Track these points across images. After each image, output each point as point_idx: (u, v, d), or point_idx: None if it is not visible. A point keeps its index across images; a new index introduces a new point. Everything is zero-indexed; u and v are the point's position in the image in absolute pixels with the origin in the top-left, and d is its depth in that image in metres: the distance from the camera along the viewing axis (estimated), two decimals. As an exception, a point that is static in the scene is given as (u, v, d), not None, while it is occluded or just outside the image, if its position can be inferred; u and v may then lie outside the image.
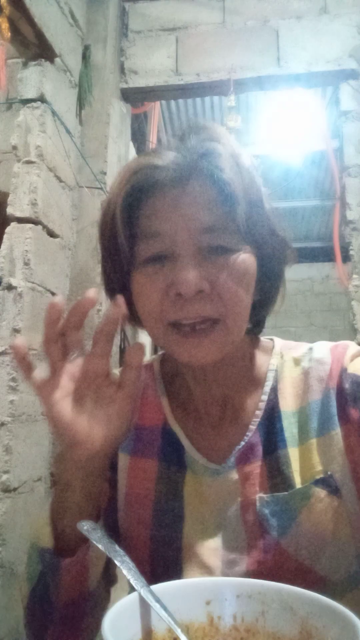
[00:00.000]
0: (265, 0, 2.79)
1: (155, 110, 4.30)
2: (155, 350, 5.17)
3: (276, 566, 0.59)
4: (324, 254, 6.02)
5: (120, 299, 0.55)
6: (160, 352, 0.77)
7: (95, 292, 0.54)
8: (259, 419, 0.65)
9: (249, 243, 0.60)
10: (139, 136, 4.43)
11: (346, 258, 2.67)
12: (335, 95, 2.90)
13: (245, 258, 0.59)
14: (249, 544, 0.61)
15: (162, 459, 0.68)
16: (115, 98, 2.79)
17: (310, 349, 0.68)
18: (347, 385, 0.62)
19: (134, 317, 0.66)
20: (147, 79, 2.83)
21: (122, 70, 2.86)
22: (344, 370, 0.63)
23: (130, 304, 0.63)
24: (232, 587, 0.47)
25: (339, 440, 0.61)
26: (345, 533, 0.60)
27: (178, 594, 0.46)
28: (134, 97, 2.97)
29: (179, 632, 0.41)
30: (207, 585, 0.47)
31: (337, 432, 0.61)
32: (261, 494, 0.62)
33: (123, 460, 0.70)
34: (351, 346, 0.67)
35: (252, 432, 0.65)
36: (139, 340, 4.58)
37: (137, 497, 0.67)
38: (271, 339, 0.73)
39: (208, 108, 4.59)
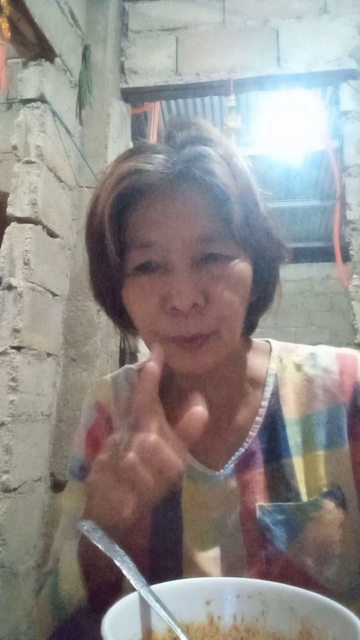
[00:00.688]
0: (265, 0, 2.79)
1: (155, 110, 4.30)
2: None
3: (279, 577, 0.57)
4: (324, 254, 6.03)
5: (159, 348, 0.54)
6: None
7: (154, 366, 0.52)
8: (259, 426, 0.63)
9: (244, 248, 0.58)
10: (139, 136, 4.44)
11: (346, 258, 2.67)
12: (335, 95, 2.91)
13: (241, 266, 0.57)
14: (249, 553, 0.60)
15: None
16: (115, 98, 2.79)
17: (312, 354, 0.66)
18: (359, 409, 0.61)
19: (125, 323, 0.65)
20: (147, 79, 2.83)
21: (122, 70, 2.86)
22: (357, 388, 0.62)
23: (117, 310, 0.62)
24: (232, 587, 0.47)
25: (348, 456, 0.60)
26: (351, 546, 0.59)
27: (178, 594, 0.46)
28: (134, 97, 2.97)
29: (179, 632, 0.41)
30: (207, 585, 0.47)
31: (347, 448, 0.60)
32: (261, 503, 0.60)
33: None
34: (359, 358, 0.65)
35: (252, 439, 0.63)
36: (137, 341, 4.58)
37: None
38: (267, 341, 0.71)
39: (208, 108, 4.59)
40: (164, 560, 0.63)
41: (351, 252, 2.51)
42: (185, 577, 0.61)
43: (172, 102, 4.43)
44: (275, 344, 0.70)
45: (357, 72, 2.63)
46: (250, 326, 0.68)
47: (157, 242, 0.55)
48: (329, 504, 0.59)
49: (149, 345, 0.60)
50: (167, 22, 2.86)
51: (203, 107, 4.57)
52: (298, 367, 0.65)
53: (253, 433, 0.63)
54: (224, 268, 0.56)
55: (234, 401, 0.66)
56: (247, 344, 0.69)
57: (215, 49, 2.78)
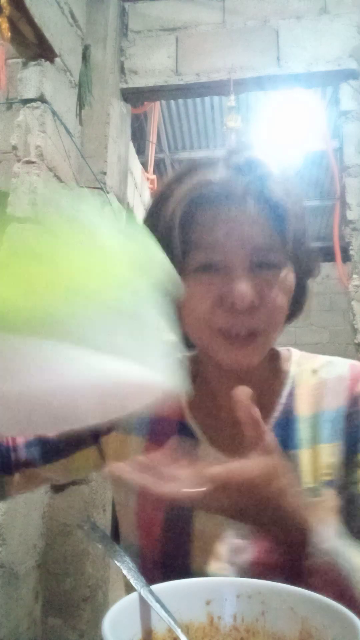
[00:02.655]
0: (265, 0, 2.79)
1: (155, 110, 4.30)
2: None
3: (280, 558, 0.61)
4: (324, 254, 6.01)
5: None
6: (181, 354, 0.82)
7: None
8: (275, 420, 0.70)
9: (291, 260, 0.65)
10: (139, 136, 4.44)
11: (346, 258, 2.67)
12: (335, 95, 2.91)
13: (290, 275, 0.65)
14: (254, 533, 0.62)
15: None
16: (115, 98, 2.79)
17: (330, 362, 0.74)
18: (352, 413, 0.68)
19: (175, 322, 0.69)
20: (147, 79, 2.83)
21: (122, 70, 2.86)
22: (357, 396, 0.69)
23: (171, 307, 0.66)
24: (232, 587, 0.47)
25: (340, 450, 0.67)
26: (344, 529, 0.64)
27: (178, 594, 0.46)
28: (134, 97, 2.97)
29: (179, 632, 0.41)
30: (207, 585, 0.47)
31: (341, 443, 0.67)
32: None
33: (137, 443, 0.72)
34: None
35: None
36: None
37: None
38: (288, 349, 0.78)
39: (208, 108, 4.59)
40: (176, 536, 0.66)
41: (351, 252, 2.51)
42: (193, 553, 0.65)
43: (172, 102, 4.43)
44: (296, 352, 0.78)
45: (357, 72, 2.63)
46: None
47: (221, 246, 0.62)
48: (328, 492, 0.65)
49: (197, 339, 0.66)
50: (167, 22, 2.86)
51: (203, 107, 4.57)
52: (314, 372, 0.73)
53: (269, 427, 0.69)
54: (276, 275, 0.63)
55: (256, 402, 0.70)
56: (273, 351, 0.76)
57: (215, 49, 2.77)
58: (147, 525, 0.69)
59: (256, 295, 0.61)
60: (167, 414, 0.73)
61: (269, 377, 0.73)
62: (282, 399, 0.71)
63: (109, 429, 0.74)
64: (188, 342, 0.71)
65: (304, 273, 0.69)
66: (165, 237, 0.63)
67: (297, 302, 0.70)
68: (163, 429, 0.72)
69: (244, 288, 0.60)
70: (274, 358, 0.75)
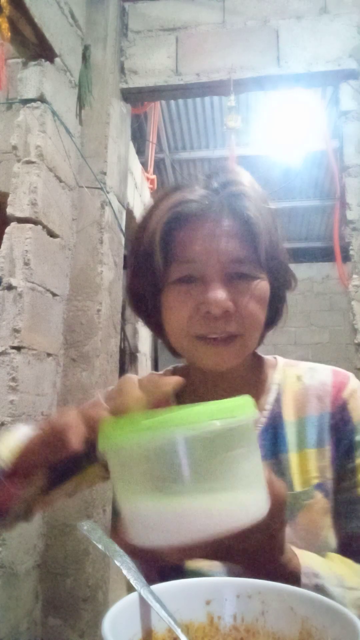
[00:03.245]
0: (265, 0, 2.79)
1: (155, 110, 4.30)
2: (155, 360, 5.18)
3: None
4: (324, 254, 6.02)
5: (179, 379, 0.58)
6: (171, 366, 0.86)
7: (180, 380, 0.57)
8: (262, 425, 0.73)
9: (265, 271, 0.70)
10: (139, 136, 4.44)
11: (346, 258, 2.67)
12: (335, 95, 2.91)
13: (263, 285, 0.69)
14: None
15: None
16: (115, 98, 2.79)
17: (312, 368, 0.78)
18: (338, 419, 0.72)
19: (158, 329, 0.76)
20: (147, 79, 2.83)
21: (122, 70, 2.86)
22: (342, 403, 0.73)
23: (155, 316, 0.73)
24: (232, 587, 0.47)
25: (329, 455, 0.71)
26: (330, 530, 0.69)
27: (178, 594, 0.46)
28: (134, 97, 2.97)
29: (179, 632, 0.41)
30: (207, 585, 0.47)
31: (329, 448, 0.72)
32: None
33: None
34: (352, 378, 0.76)
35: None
36: (137, 341, 4.58)
37: None
38: (274, 357, 0.82)
39: (208, 108, 4.59)
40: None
41: (351, 252, 2.51)
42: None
43: (172, 102, 4.43)
44: (281, 360, 0.81)
45: (357, 72, 2.63)
46: (259, 340, 0.77)
47: (198, 260, 0.68)
48: (318, 494, 0.69)
49: (178, 346, 0.72)
50: (167, 22, 2.86)
51: (203, 107, 4.57)
52: (298, 378, 0.77)
53: (256, 432, 0.72)
54: (250, 285, 0.68)
55: None
56: (257, 358, 0.80)
57: (215, 49, 2.77)
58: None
59: (230, 303, 0.66)
60: None
61: (256, 384, 0.77)
62: (269, 405, 0.74)
63: None
64: (175, 350, 0.75)
65: (279, 284, 0.73)
66: (148, 251, 0.69)
67: (274, 311, 0.75)
68: None
69: (218, 296, 0.65)
70: (259, 366, 0.79)
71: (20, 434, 0.62)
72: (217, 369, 0.69)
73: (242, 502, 0.46)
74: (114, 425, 0.48)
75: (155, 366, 5.19)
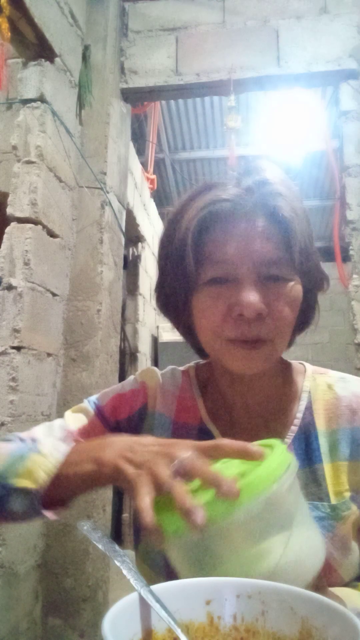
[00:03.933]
0: (265, 0, 2.79)
1: (155, 110, 4.30)
2: (155, 361, 5.17)
3: None
4: (324, 254, 5.99)
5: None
6: (194, 362, 0.85)
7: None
8: (294, 434, 0.72)
9: (298, 274, 0.68)
10: (139, 136, 4.44)
11: (346, 258, 2.67)
12: (335, 95, 2.90)
13: (296, 288, 0.68)
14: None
15: None
16: (115, 98, 2.79)
17: (343, 378, 0.77)
18: None
19: (187, 330, 0.75)
20: (147, 79, 2.83)
21: (122, 70, 2.86)
22: None
23: (185, 317, 0.72)
24: (232, 587, 0.47)
25: None
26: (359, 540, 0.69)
27: (178, 594, 0.46)
28: (134, 97, 2.97)
29: (179, 632, 0.41)
30: (207, 585, 0.47)
31: None
32: None
33: None
34: None
35: (287, 445, 0.71)
36: (137, 341, 4.58)
37: None
38: (302, 363, 0.81)
39: (208, 108, 4.59)
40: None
41: (351, 252, 2.51)
42: None
43: (172, 102, 4.43)
44: (309, 366, 0.80)
45: (357, 72, 2.63)
46: (289, 343, 0.76)
47: (231, 260, 0.66)
48: (353, 506, 0.68)
49: (209, 347, 0.70)
50: (167, 22, 2.86)
51: (203, 107, 4.57)
52: (330, 387, 0.75)
53: (288, 440, 0.71)
54: (283, 287, 0.66)
55: (270, 411, 0.74)
56: (285, 363, 0.79)
57: (215, 49, 2.77)
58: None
59: (263, 306, 0.64)
60: (187, 420, 0.76)
61: (284, 389, 0.76)
62: (300, 413, 0.73)
63: None
64: (202, 350, 0.74)
65: (311, 286, 0.72)
66: (179, 252, 0.68)
67: (306, 313, 0.74)
68: (184, 435, 0.74)
69: (251, 298, 0.64)
70: (287, 371, 0.78)
71: (54, 450, 0.62)
72: (246, 372, 0.68)
73: (316, 541, 0.50)
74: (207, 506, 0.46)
75: (155, 366, 5.19)
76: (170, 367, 0.86)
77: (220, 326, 0.66)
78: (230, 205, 0.66)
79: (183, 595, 0.46)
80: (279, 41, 2.73)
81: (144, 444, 0.55)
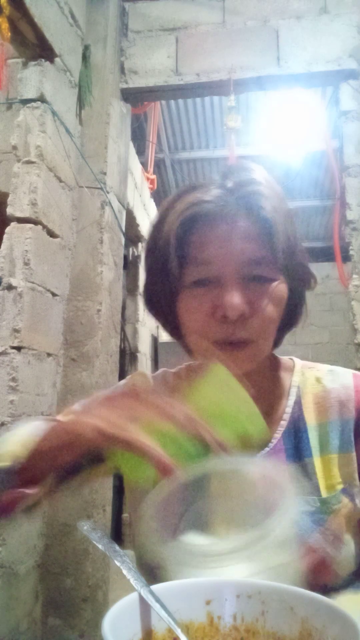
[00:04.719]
0: (265, 0, 2.79)
1: (155, 110, 4.30)
2: (155, 361, 5.18)
3: (302, 563, 0.63)
4: (324, 254, 6.01)
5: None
6: (186, 363, 0.84)
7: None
8: (283, 429, 0.72)
9: (282, 273, 0.68)
10: (139, 136, 4.44)
11: (346, 258, 2.67)
12: (335, 95, 2.90)
13: (280, 287, 0.68)
14: None
15: None
16: (115, 98, 2.79)
17: (331, 370, 0.77)
18: None
19: (175, 331, 0.74)
20: (147, 79, 2.83)
21: (122, 70, 2.86)
22: None
23: (172, 318, 0.72)
24: (232, 587, 0.47)
25: (354, 461, 0.71)
26: (355, 534, 0.69)
27: (178, 594, 0.46)
28: (134, 97, 2.97)
29: (179, 632, 0.41)
30: (207, 585, 0.47)
31: (354, 454, 0.71)
32: None
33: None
34: None
35: (277, 440, 0.71)
36: (137, 341, 4.58)
37: None
38: (291, 359, 0.81)
39: (208, 108, 4.59)
40: None
41: (351, 252, 2.51)
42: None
43: (172, 102, 4.43)
44: (298, 361, 0.80)
45: (357, 72, 2.63)
46: (276, 342, 0.75)
47: (214, 262, 0.66)
48: (345, 499, 0.69)
49: (195, 348, 0.71)
50: (167, 22, 2.86)
51: (203, 107, 4.57)
52: (318, 380, 0.76)
53: (278, 435, 0.72)
54: (267, 287, 0.67)
55: (259, 408, 0.75)
56: (274, 360, 0.79)
57: (215, 49, 2.77)
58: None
59: (247, 307, 0.64)
60: None
61: (273, 386, 0.76)
62: (289, 408, 0.73)
63: None
64: (191, 351, 0.74)
65: (297, 285, 0.71)
66: (163, 255, 0.68)
67: (293, 312, 0.73)
68: None
69: (234, 300, 0.64)
70: (276, 367, 0.78)
71: (33, 429, 0.61)
72: (232, 372, 0.68)
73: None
74: None
75: (155, 366, 5.19)
76: (162, 369, 0.86)
77: (205, 328, 0.67)
78: (212, 207, 0.66)
79: (183, 595, 0.46)
80: (279, 41, 2.73)
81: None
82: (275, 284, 0.67)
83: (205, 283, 0.67)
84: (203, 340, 0.67)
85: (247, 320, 0.65)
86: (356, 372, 0.77)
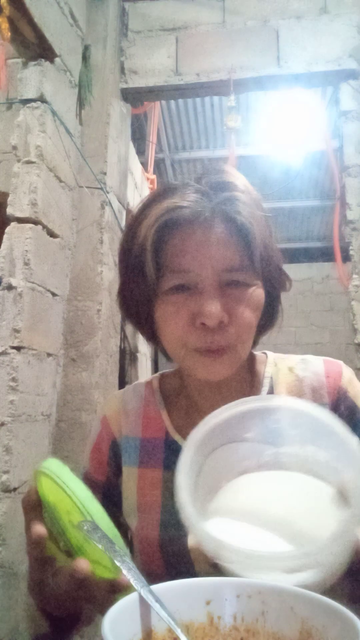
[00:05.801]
0: (265, 0, 2.79)
1: (155, 110, 4.30)
2: (155, 361, 5.18)
3: None
4: (324, 254, 6.02)
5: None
6: (159, 372, 0.84)
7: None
8: None
9: (260, 278, 0.68)
10: (139, 136, 4.44)
11: (346, 258, 2.67)
12: (335, 95, 2.90)
13: (258, 292, 0.68)
14: None
15: (166, 468, 0.73)
16: (115, 98, 2.79)
17: (303, 359, 0.78)
18: (342, 408, 0.71)
19: (153, 336, 0.74)
20: (147, 79, 2.83)
21: (122, 70, 2.86)
22: (342, 392, 0.72)
23: (148, 324, 0.72)
24: (232, 587, 0.47)
25: None
26: None
27: (178, 594, 0.46)
28: (134, 97, 2.97)
29: (179, 632, 0.41)
30: (207, 585, 0.47)
31: None
32: None
33: (129, 473, 0.76)
34: (344, 366, 0.76)
35: None
36: (137, 341, 4.58)
37: (146, 504, 0.73)
38: (264, 353, 0.81)
39: (208, 108, 4.59)
40: (173, 551, 0.69)
41: (351, 252, 2.51)
42: (195, 564, 0.66)
43: (172, 102, 4.43)
44: (271, 354, 0.81)
45: (357, 72, 2.63)
46: (253, 343, 0.76)
47: (192, 269, 0.65)
48: None
49: (174, 355, 0.70)
50: (167, 22, 2.86)
51: (203, 107, 4.57)
52: (290, 370, 0.76)
53: None
54: (244, 293, 0.66)
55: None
56: (251, 357, 0.79)
57: (215, 49, 2.77)
58: (146, 543, 0.71)
59: (225, 314, 0.64)
60: (153, 435, 0.76)
61: (248, 381, 0.77)
62: None
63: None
64: (169, 356, 0.73)
65: (274, 288, 0.72)
66: (139, 260, 0.67)
67: (270, 314, 0.73)
68: (150, 451, 0.75)
69: (213, 308, 0.63)
70: (251, 363, 0.78)
71: None
72: (212, 379, 0.68)
73: None
74: None
75: (155, 366, 5.19)
76: (133, 383, 0.87)
77: (184, 335, 0.66)
78: (189, 213, 0.65)
79: (183, 595, 0.46)
80: (279, 41, 2.73)
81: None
82: (252, 289, 0.67)
83: (184, 289, 0.66)
84: (182, 348, 0.67)
85: (226, 327, 0.65)
86: (327, 358, 0.77)
